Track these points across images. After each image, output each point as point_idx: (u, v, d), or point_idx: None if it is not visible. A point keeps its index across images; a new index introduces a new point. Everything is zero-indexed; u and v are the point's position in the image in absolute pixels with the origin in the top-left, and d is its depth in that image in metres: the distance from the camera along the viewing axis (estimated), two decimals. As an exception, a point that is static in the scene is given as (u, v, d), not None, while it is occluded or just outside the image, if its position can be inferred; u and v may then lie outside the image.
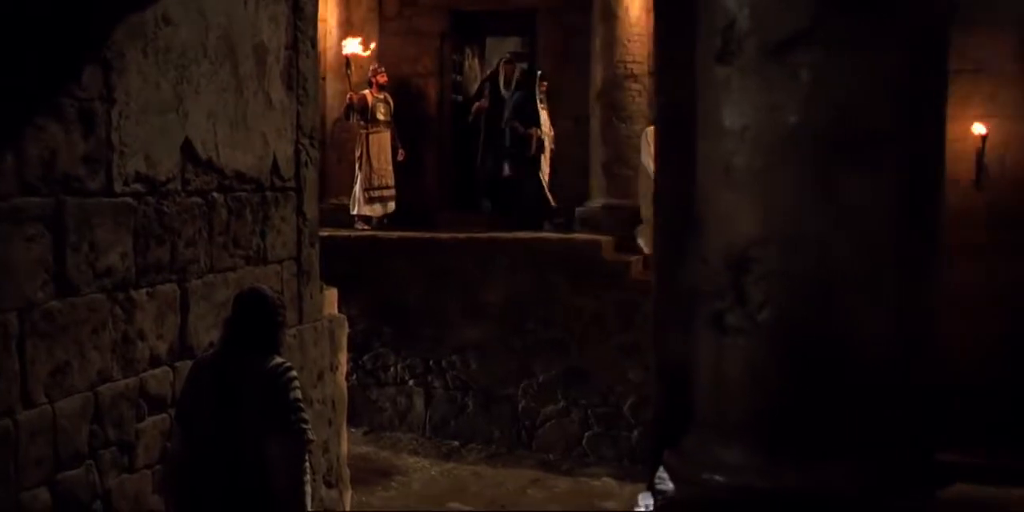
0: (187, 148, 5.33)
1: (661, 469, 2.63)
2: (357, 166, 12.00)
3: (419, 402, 11.22)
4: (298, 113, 6.38)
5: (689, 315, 2.62)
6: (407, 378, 11.20)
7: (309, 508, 4.57)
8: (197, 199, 5.44)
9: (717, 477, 2.46)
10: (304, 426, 4.45)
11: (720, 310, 2.49)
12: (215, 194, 5.59)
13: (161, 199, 5.15)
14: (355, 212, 11.99)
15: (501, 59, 12.63)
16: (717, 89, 2.50)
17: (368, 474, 9.97)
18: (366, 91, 11.93)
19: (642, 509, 2.71)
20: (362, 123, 11.90)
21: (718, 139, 2.50)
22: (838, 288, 2.42)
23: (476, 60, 14.30)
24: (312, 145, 6.56)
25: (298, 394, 4.47)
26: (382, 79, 12.04)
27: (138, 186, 4.99)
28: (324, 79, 12.49)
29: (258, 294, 4.68)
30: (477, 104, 12.29)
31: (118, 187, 4.85)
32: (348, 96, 11.77)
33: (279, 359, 4.49)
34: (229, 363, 4.50)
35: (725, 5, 2.46)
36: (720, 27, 2.48)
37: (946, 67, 2.74)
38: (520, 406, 10.89)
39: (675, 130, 2.70)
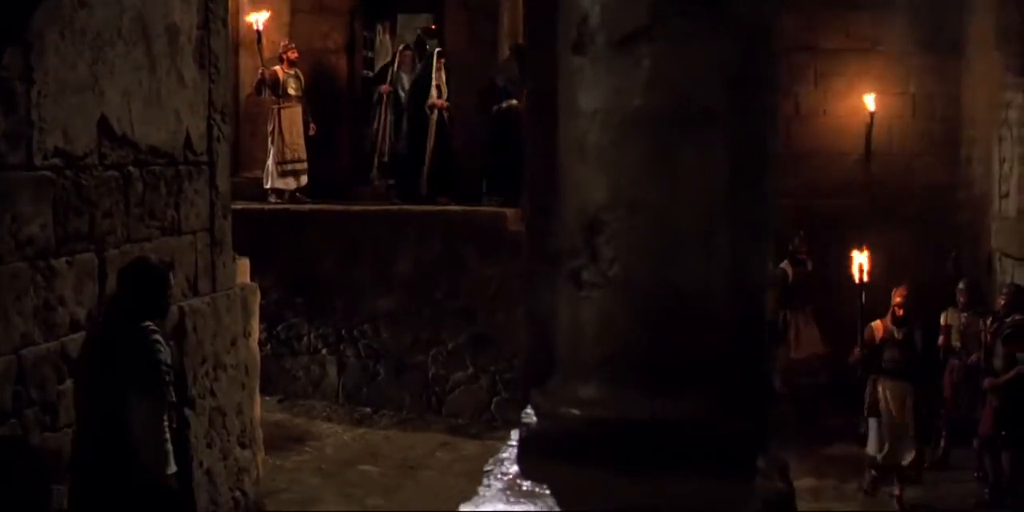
0: (103, 124, 5.63)
1: (528, 407, 3.02)
2: (270, 140, 12.25)
3: (332, 370, 11.54)
4: (210, 90, 6.69)
5: (553, 272, 3.01)
6: (320, 347, 11.51)
7: (171, 463, 4.91)
8: (113, 173, 5.74)
9: (574, 411, 2.85)
10: (162, 386, 4.82)
11: (577, 267, 2.88)
12: (131, 168, 5.89)
13: (79, 173, 5.45)
14: (268, 185, 12.24)
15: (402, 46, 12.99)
16: (573, 76, 2.88)
17: (282, 440, 10.30)
18: (277, 67, 12.18)
19: (513, 443, 3.10)
20: (273, 98, 12.16)
21: (574, 119, 2.88)
22: (676, 246, 2.82)
23: (388, 36, 14.57)
24: (224, 121, 6.87)
25: (161, 356, 4.86)
26: (292, 55, 12.29)
27: (57, 160, 5.29)
28: (236, 55, 12.71)
29: (140, 264, 5.11)
30: (384, 86, 12.59)
31: (38, 161, 5.15)
32: (260, 71, 12.02)
33: (147, 323, 4.86)
34: (109, 328, 4.93)
35: (580, 4, 2.84)
36: (576, 23, 2.85)
37: (776, 55, 3.13)
38: (430, 373, 11.26)
39: (541, 112, 3.08)
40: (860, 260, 9.46)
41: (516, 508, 2.56)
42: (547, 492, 2.66)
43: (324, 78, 13.29)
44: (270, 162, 12.23)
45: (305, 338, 11.53)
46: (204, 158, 6.64)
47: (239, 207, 10.39)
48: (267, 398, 10.99)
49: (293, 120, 12.31)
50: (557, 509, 2.57)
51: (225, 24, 6.90)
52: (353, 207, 11.63)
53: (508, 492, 2.70)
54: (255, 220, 10.73)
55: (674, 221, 2.82)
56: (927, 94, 12.43)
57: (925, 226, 11.88)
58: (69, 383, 5.35)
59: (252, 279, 7.82)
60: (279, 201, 12.11)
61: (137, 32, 5.86)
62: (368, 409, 11.35)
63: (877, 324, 9.46)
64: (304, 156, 12.39)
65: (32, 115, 5.08)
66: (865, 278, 9.36)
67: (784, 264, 11.17)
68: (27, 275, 5.07)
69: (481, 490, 2.70)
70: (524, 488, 2.72)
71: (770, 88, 3.17)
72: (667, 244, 2.82)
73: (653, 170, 2.81)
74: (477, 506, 2.59)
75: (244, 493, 7.08)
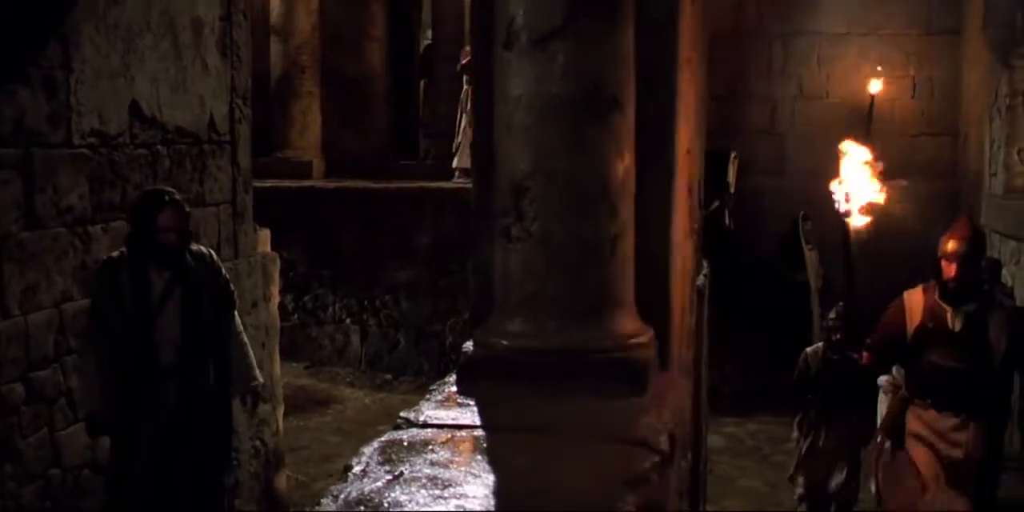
0: (134, 108, 6.32)
1: (471, 341, 3.68)
2: (465, 123, 12.45)
3: (355, 339, 12.25)
4: (232, 76, 7.36)
5: (491, 229, 3.66)
6: (344, 317, 12.23)
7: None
8: (143, 151, 6.44)
9: (503, 341, 3.49)
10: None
11: (507, 224, 3.52)
12: (159, 146, 6.59)
13: (112, 150, 6.16)
14: (456, 165, 12.71)
15: None
16: (504, 68, 3.51)
17: (307, 403, 11.04)
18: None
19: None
20: (468, 81, 12.75)
21: (505, 103, 3.52)
22: (584, 207, 3.45)
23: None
24: (245, 104, 7.54)
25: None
26: None
27: (93, 139, 6.00)
28: (267, 40, 13.40)
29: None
30: None
31: (76, 140, 5.86)
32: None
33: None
34: None
35: (508, 10, 3.47)
36: (505, 24, 3.48)
37: (675, 50, 3.76)
38: (447, 342, 11.93)
39: (483, 97, 3.72)
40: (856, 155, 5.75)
41: (444, 413, 3.21)
42: (472, 403, 3.32)
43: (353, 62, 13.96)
44: (462, 144, 12.53)
45: (330, 308, 12.24)
46: (227, 138, 7.32)
47: (269, 185, 11.16)
48: (294, 364, 11.76)
49: None
50: (478, 415, 3.22)
51: (246, 16, 7.56)
52: (374, 185, 12.30)
53: (444, 403, 3.35)
54: (285, 197, 11.48)
55: (583, 187, 3.45)
56: (927, 76, 12.95)
57: (924, 203, 12.37)
58: (104, 335, 6.07)
59: (274, 250, 8.50)
60: (464, 180, 12.54)
61: (164, 25, 6.55)
62: (389, 375, 12.05)
63: (914, 297, 5.52)
64: None
65: (71, 100, 5.79)
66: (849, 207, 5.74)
67: (812, 349, 7.62)
68: (66, 239, 5.79)
69: (422, 403, 3.36)
70: (457, 401, 3.37)
71: (670, 77, 3.81)
72: (577, 205, 3.45)
73: (566, 145, 3.44)
74: (416, 413, 3.25)
75: (264, 443, 7.78)
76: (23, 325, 5.46)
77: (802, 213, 11.57)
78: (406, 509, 2.33)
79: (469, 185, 10.99)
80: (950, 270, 5.36)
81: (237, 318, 5.81)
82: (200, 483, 5.48)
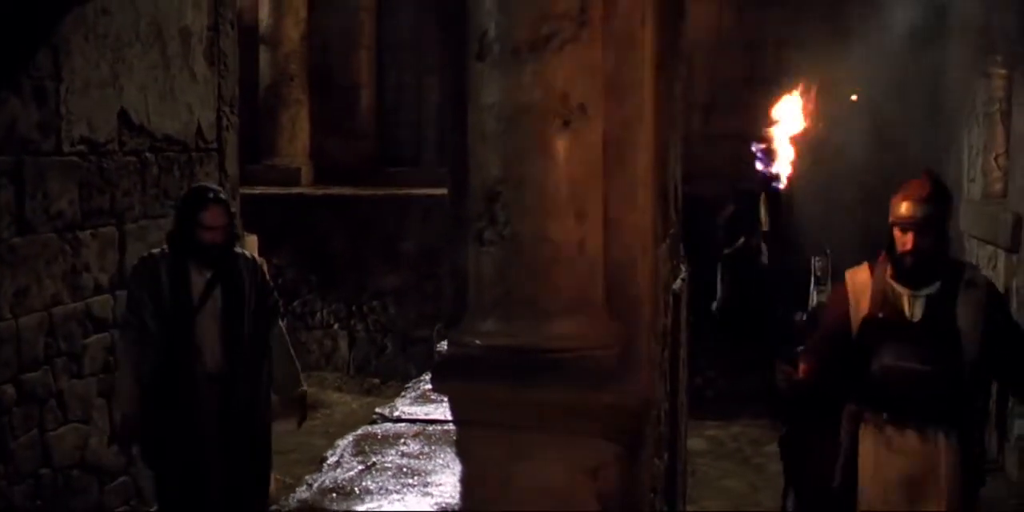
0: (123, 116, 6.47)
1: (444, 341, 3.82)
2: None
3: (343, 344, 12.35)
4: (219, 85, 7.51)
5: (466, 234, 3.79)
6: (332, 322, 12.33)
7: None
8: (132, 158, 6.59)
9: (476, 341, 3.62)
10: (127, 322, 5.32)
11: (480, 229, 3.65)
12: (147, 154, 6.73)
13: (101, 158, 6.30)
14: None
15: None
16: (476, 78, 3.65)
17: (296, 407, 11.14)
18: None
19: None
20: None
21: (478, 112, 3.66)
22: (554, 211, 3.58)
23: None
24: (232, 112, 7.68)
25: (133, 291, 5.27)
26: None
27: (82, 147, 6.14)
28: (256, 50, 13.51)
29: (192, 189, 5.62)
30: None
31: (66, 148, 6.00)
32: None
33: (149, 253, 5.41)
34: None
35: (480, 21, 3.61)
36: (478, 36, 3.63)
37: (641, 60, 3.90)
38: (434, 346, 12.03)
39: (456, 106, 3.86)
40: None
41: (418, 408, 3.35)
42: (444, 399, 3.45)
43: (336, 73, 14.07)
44: None
45: (318, 313, 12.34)
46: (214, 145, 7.47)
47: (258, 192, 11.28)
48: (283, 369, 11.85)
49: None
50: (449, 411, 3.35)
51: (233, 26, 7.70)
52: (362, 192, 12.42)
53: (418, 399, 3.50)
54: (274, 204, 11.58)
55: (552, 192, 3.58)
56: (910, 81, 13.05)
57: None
58: (94, 337, 6.21)
59: (263, 256, 8.62)
60: None
61: (153, 35, 6.70)
62: (376, 380, 12.13)
63: (858, 278, 4.45)
64: None
65: (61, 108, 5.94)
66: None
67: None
68: (56, 244, 5.93)
69: (397, 399, 3.50)
70: (431, 398, 3.52)
71: (637, 86, 3.95)
72: (546, 210, 3.58)
73: (536, 152, 3.57)
74: (391, 408, 3.38)
75: (252, 445, 7.90)
76: (14, 328, 5.60)
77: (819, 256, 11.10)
78: (376, 495, 2.46)
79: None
80: (905, 241, 4.26)
81: (283, 327, 5.70)
82: (238, 500, 5.43)
